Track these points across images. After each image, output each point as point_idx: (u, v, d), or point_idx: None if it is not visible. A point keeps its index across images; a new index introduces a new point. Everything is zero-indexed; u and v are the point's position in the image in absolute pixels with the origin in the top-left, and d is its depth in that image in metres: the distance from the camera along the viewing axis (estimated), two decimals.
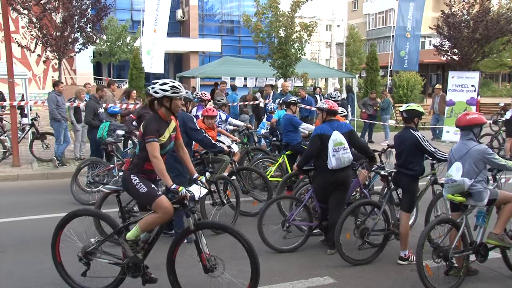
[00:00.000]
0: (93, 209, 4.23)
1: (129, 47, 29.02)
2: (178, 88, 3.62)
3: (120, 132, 7.55)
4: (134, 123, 7.27)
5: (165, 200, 3.45)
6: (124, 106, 9.43)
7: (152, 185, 3.54)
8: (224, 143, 6.38)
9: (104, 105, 8.88)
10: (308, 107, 11.96)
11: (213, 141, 5.09)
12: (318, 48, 46.89)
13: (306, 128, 7.38)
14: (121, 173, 6.24)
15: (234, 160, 6.28)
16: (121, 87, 25.92)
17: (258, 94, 13.99)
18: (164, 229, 3.78)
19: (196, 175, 3.71)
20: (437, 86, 13.99)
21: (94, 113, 8.17)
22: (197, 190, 3.40)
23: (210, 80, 19.74)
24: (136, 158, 3.60)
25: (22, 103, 10.28)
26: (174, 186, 3.33)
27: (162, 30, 14.79)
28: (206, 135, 4.97)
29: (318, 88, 15.33)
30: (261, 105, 12.33)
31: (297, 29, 13.18)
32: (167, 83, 3.64)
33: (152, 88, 3.62)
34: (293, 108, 7.23)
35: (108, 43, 28.65)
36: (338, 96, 6.82)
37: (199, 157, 5.57)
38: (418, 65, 18.68)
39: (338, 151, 4.64)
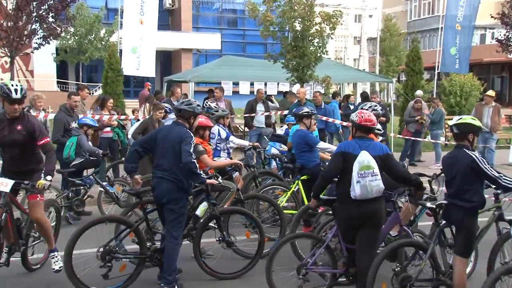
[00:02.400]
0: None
1: (103, 43, 29.45)
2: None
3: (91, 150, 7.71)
4: None
5: None
6: (97, 117, 9.58)
7: None
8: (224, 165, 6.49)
9: (90, 114, 8.98)
10: (325, 118, 11.95)
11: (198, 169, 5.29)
12: (344, 45, 47.27)
13: (326, 148, 7.43)
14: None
15: (238, 188, 6.47)
16: (93, 93, 26.21)
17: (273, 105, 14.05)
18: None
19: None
20: (489, 93, 13.64)
21: (65, 129, 8.21)
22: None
23: (206, 85, 19.88)
24: None
25: None
26: None
27: (152, 22, 14.85)
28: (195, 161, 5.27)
29: (352, 97, 15.40)
30: (273, 117, 12.40)
31: (317, 21, 13.25)
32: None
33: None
34: (306, 122, 7.32)
35: (76, 38, 29.12)
36: (381, 109, 6.79)
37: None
38: (471, 65, 18.38)
39: (365, 177, 4.61)
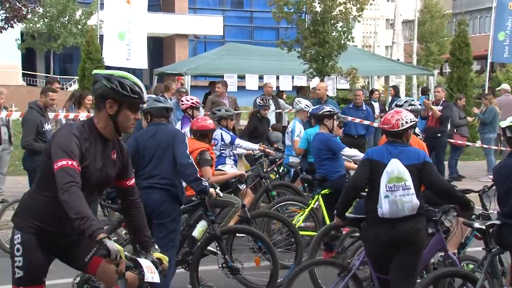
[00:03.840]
0: None
1: (79, 27, 29.58)
2: None
3: None
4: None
5: None
6: (71, 116, 9.59)
7: None
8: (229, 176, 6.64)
9: (63, 115, 8.90)
10: (366, 122, 11.96)
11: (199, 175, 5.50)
12: (374, 30, 47.27)
13: (353, 156, 7.45)
14: None
15: (244, 204, 6.49)
16: (66, 88, 26.47)
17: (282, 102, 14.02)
18: None
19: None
20: (502, 86, 13.58)
21: (38, 132, 8.20)
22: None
23: (205, 79, 20.05)
24: None
25: None
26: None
27: (141, 1, 14.95)
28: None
29: (376, 92, 15.24)
30: (285, 117, 12.40)
31: (341, 0, 13.23)
32: None
33: None
34: (328, 124, 7.39)
35: (46, 20, 29.24)
36: (420, 105, 6.88)
37: (198, 195, 5.83)
38: None
39: (394, 191, 4.61)
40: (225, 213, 6.51)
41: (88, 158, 3.61)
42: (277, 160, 9.27)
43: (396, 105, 6.68)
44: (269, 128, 11.38)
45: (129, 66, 15.13)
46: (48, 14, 28.90)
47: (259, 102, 10.09)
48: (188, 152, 5.46)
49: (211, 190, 5.62)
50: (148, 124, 5.68)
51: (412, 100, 6.67)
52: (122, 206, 4.12)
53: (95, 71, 3.78)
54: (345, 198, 4.99)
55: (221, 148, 7.81)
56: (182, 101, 8.68)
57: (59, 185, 3.39)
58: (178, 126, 8.74)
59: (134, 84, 3.64)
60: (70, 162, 3.43)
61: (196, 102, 8.53)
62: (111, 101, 3.62)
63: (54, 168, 3.44)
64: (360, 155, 7.28)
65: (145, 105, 5.48)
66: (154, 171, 5.34)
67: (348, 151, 7.35)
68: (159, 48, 35.19)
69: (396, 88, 15.53)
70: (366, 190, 4.89)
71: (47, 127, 8.24)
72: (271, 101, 12.07)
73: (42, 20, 29.11)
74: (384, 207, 4.62)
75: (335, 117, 7.46)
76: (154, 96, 5.82)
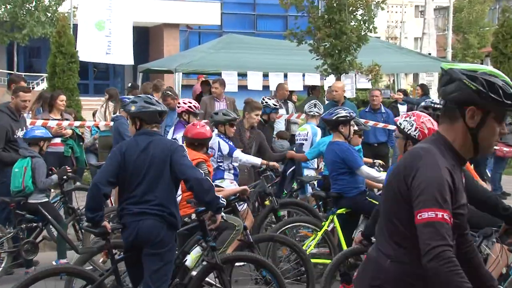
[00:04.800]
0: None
1: (49, 15, 29.54)
2: None
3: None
4: None
5: None
6: (40, 122, 9.68)
7: None
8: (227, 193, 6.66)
9: (29, 121, 9.06)
10: (382, 125, 11.98)
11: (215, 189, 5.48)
12: (401, 19, 47.27)
13: (372, 178, 7.45)
14: None
15: (245, 226, 6.52)
16: (33, 87, 26.46)
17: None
18: None
19: None
20: None
21: (8, 139, 8.26)
22: None
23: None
24: None
25: None
26: None
27: None
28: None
29: (401, 92, 15.33)
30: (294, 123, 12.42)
31: None
32: None
33: None
34: (344, 131, 7.39)
35: (9, 7, 29.17)
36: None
37: (196, 217, 5.85)
38: None
39: None
40: (224, 238, 6.46)
41: (461, 199, 3.11)
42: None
43: (423, 107, 6.71)
44: (274, 136, 11.29)
45: (109, 61, 15.40)
46: None
47: (269, 104, 9.85)
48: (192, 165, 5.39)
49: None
50: (137, 133, 5.47)
51: (437, 104, 6.66)
52: None
53: (446, 65, 3.15)
54: (374, 224, 5.03)
55: (219, 160, 7.79)
56: (178, 103, 8.92)
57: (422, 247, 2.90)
58: (169, 134, 8.82)
59: (507, 85, 3.02)
60: (442, 215, 2.92)
61: (194, 106, 8.65)
62: (473, 108, 3.04)
63: (417, 220, 2.95)
64: (381, 176, 7.30)
65: (133, 108, 5.42)
66: (148, 195, 5.23)
67: (365, 170, 7.23)
68: (144, 40, 34.91)
69: (424, 87, 15.44)
70: None
71: (20, 133, 8.27)
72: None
73: (3, 6, 29.07)
74: None
75: (352, 122, 7.43)
76: (143, 95, 5.68)
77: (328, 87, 14.07)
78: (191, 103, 8.68)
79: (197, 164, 6.29)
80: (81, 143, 10.50)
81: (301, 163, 9.29)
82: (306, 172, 9.17)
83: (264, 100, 10.00)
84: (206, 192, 5.26)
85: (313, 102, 9.98)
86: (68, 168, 8.27)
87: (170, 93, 11.27)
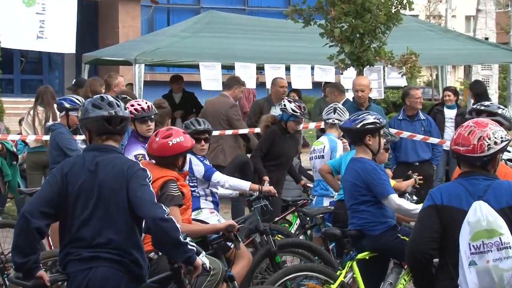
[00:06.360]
0: None
1: None
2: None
3: None
4: None
5: None
6: None
7: None
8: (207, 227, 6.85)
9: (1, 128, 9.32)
10: (420, 137, 11.35)
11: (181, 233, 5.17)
12: None
13: (405, 211, 6.97)
14: None
15: (231, 275, 6.60)
16: None
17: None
18: None
19: None
20: None
21: None
22: None
23: (169, 70, 19.89)
24: None
25: None
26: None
27: None
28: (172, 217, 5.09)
29: (450, 92, 14.19)
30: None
31: None
32: None
33: None
34: (372, 143, 6.96)
35: None
36: (506, 110, 6.71)
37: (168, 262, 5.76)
38: None
39: (484, 253, 4.52)
40: (197, 286, 6.31)
41: None
42: (298, 202, 9.37)
43: (476, 112, 6.50)
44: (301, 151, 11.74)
45: (43, 49, 14.87)
46: None
47: (286, 108, 9.53)
48: (154, 197, 4.98)
49: (198, 259, 5.20)
50: (85, 149, 5.39)
51: (500, 108, 6.57)
52: None
53: None
54: (421, 274, 4.95)
55: (191, 184, 7.66)
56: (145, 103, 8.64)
57: None
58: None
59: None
60: None
61: (137, 109, 7.91)
62: None
63: None
64: (416, 209, 6.73)
65: (79, 114, 5.61)
66: (101, 236, 4.84)
67: (395, 201, 6.78)
68: (91, 19, 32.65)
69: (477, 88, 14.25)
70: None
71: None
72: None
73: None
74: (470, 282, 4.59)
75: (381, 132, 7.01)
76: (100, 96, 5.23)
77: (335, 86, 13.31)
78: (133, 105, 7.95)
79: (163, 184, 6.17)
80: (14, 162, 10.49)
81: (314, 189, 9.42)
82: (325, 202, 8.95)
83: (283, 101, 9.98)
84: (169, 239, 4.93)
85: (332, 106, 9.52)
86: None
87: (126, 96, 10.18)
